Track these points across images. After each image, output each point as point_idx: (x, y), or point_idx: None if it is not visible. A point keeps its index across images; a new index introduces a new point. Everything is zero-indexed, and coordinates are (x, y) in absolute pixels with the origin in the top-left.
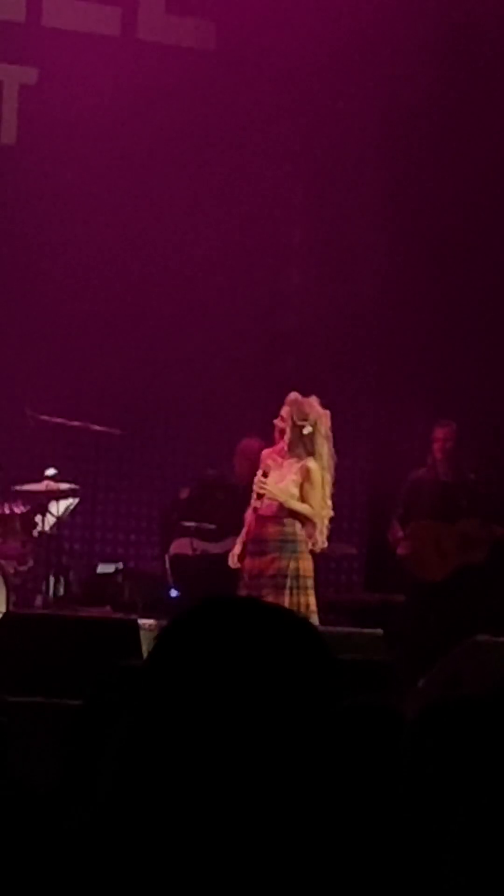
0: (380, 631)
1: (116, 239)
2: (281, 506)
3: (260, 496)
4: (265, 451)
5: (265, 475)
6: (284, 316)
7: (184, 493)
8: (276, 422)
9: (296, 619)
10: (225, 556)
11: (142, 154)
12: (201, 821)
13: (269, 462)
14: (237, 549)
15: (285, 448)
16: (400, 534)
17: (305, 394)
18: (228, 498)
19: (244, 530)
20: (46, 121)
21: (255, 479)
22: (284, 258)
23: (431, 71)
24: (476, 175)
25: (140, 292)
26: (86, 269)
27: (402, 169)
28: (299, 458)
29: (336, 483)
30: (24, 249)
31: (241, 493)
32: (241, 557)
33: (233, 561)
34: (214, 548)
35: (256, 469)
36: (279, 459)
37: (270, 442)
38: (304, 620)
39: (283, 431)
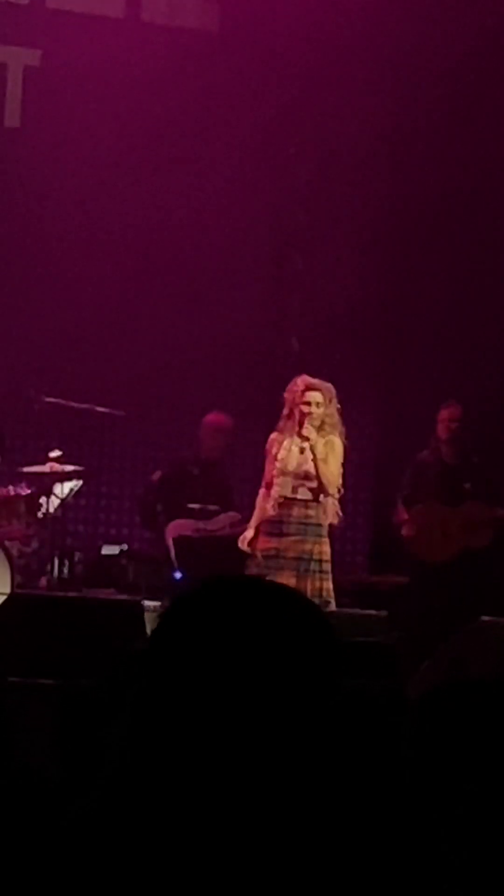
0: (384, 613)
1: (120, 221)
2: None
3: (269, 485)
4: (274, 436)
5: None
6: (289, 298)
7: (156, 475)
8: (298, 404)
9: (299, 600)
10: (224, 534)
11: (145, 135)
12: (203, 803)
13: (299, 441)
14: (249, 534)
15: (311, 427)
16: (404, 516)
17: (311, 375)
18: (203, 474)
19: (256, 513)
20: (50, 103)
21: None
22: (289, 239)
23: (439, 51)
24: (483, 153)
25: (145, 274)
26: (90, 251)
27: (408, 150)
28: (325, 435)
29: (342, 464)
30: (28, 232)
31: (216, 468)
32: (252, 540)
33: (243, 543)
34: (211, 525)
35: (227, 444)
36: (298, 439)
37: (238, 417)
38: (308, 601)
39: (306, 413)
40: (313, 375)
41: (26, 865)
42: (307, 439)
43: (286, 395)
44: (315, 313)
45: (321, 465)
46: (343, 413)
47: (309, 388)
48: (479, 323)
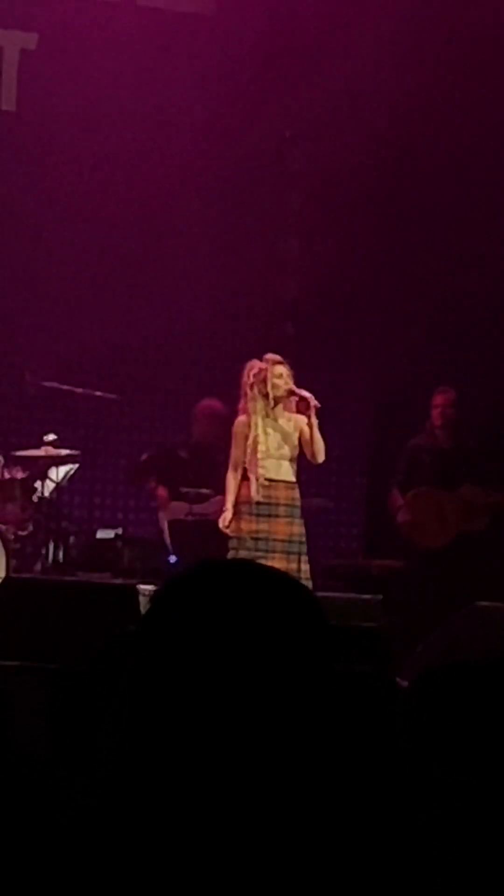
0: (379, 597)
1: (115, 205)
2: (294, 471)
3: (238, 466)
4: (242, 418)
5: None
6: (284, 282)
7: (144, 457)
8: (282, 383)
9: (291, 583)
10: (218, 518)
11: (141, 120)
12: (196, 787)
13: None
14: (228, 515)
15: (287, 406)
16: (400, 501)
17: (306, 360)
18: (193, 458)
19: (229, 496)
20: (47, 86)
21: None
22: (284, 223)
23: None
24: (483, 137)
25: (140, 258)
26: (86, 235)
27: (405, 133)
28: (291, 410)
29: (337, 450)
30: (23, 216)
31: (207, 452)
32: (235, 522)
33: (223, 522)
34: (204, 509)
35: (220, 429)
36: (272, 419)
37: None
38: (300, 584)
39: (280, 393)
40: (308, 360)
41: (19, 849)
42: (286, 419)
43: (250, 377)
44: (310, 298)
45: (317, 436)
46: (336, 398)
47: (277, 363)
48: (473, 307)
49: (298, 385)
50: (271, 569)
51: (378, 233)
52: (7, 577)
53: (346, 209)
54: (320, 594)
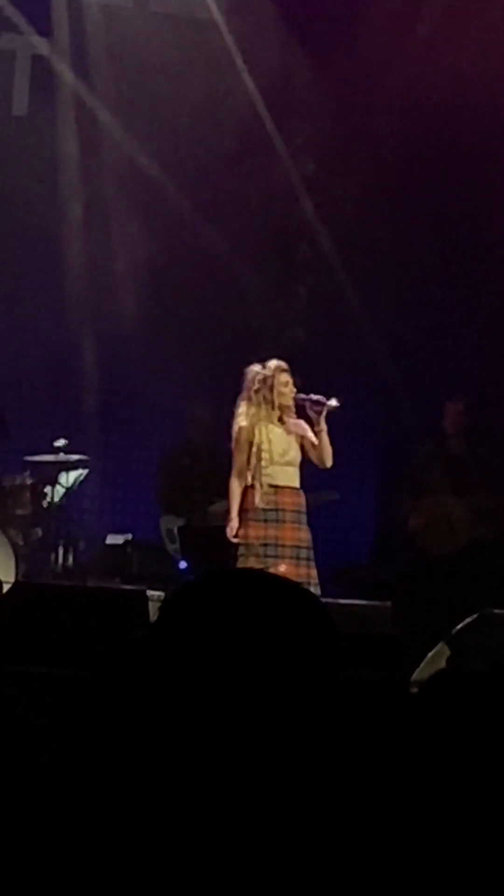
0: (388, 604)
1: (125, 211)
2: (298, 477)
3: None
4: (244, 424)
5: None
6: (295, 287)
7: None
8: (288, 391)
9: (299, 591)
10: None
11: (151, 124)
12: (203, 791)
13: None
14: (235, 524)
15: (287, 413)
16: (411, 507)
17: (316, 365)
18: (196, 464)
19: (234, 504)
20: (58, 92)
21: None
22: (295, 228)
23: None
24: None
25: (150, 263)
26: (95, 240)
27: (416, 139)
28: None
29: (347, 456)
30: (33, 221)
31: (207, 457)
32: (243, 529)
33: (231, 533)
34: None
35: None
36: (277, 425)
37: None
38: (308, 592)
39: (286, 399)
40: (318, 366)
41: (27, 851)
42: (290, 424)
43: (255, 383)
44: (321, 303)
45: (325, 440)
46: (349, 401)
47: (283, 370)
48: (485, 313)
49: (309, 392)
50: (280, 577)
51: (390, 238)
52: (17, 582)
53: (359, 214)
54: (330, 601)
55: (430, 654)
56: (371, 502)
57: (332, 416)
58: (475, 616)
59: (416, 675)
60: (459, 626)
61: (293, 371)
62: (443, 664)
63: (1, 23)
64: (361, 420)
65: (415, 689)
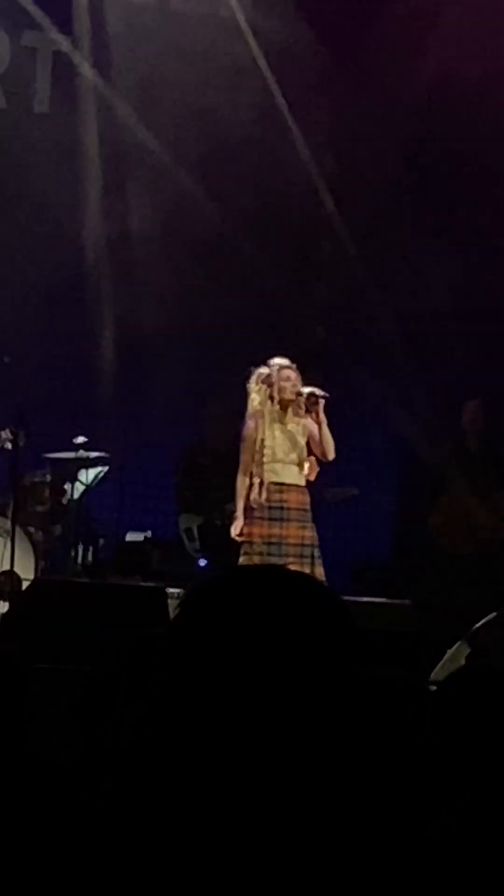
0: (408, 602)
1: (146, 208)
2: (304, 475)
3: (248, 472)
4: (252, 423)
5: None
6: (316, 285)
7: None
8: (289, 386)
9: (318, 588)
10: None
11: (173, 123)
12: (224, 790)
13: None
14: (240, 523)
15: (295, 410)
16: (430, 505)
17: (337, 364)
18: (214, 463)
19: (240, 502)
20: (79, 89)
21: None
22: (316, 226)
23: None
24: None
25: (171, 260)
26: (117, 237)
27: (437, 141)
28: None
29: (368, 451)
30: (55, 217)
31: (225, 456)
32: (248, 528)
33: (235, 530)
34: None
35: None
36: (282, 424)
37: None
38: (327, 589)
39: (291, 396)
40: (339, 365)
41: (43, 846)
42: (295, 423)
43: (259, 382)
44: (342, 301)
45: (325, 432)
46: (368, 402)
47: (284, 367)
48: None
49: (327, 389)
50: (300, 574)
51: (409, 237)
52: (36, 579)
53: (380, 212)
54: (351, 598)
55: (449, 652)
56: (391, 500)
57: (351, 412)
58: (494, 614)
59: (435, 673)
60: (479, 624)
61: (313, 368)
62: (462, 662)
63: (23, 20)
64: (381, 417)
65: (434, 687)
